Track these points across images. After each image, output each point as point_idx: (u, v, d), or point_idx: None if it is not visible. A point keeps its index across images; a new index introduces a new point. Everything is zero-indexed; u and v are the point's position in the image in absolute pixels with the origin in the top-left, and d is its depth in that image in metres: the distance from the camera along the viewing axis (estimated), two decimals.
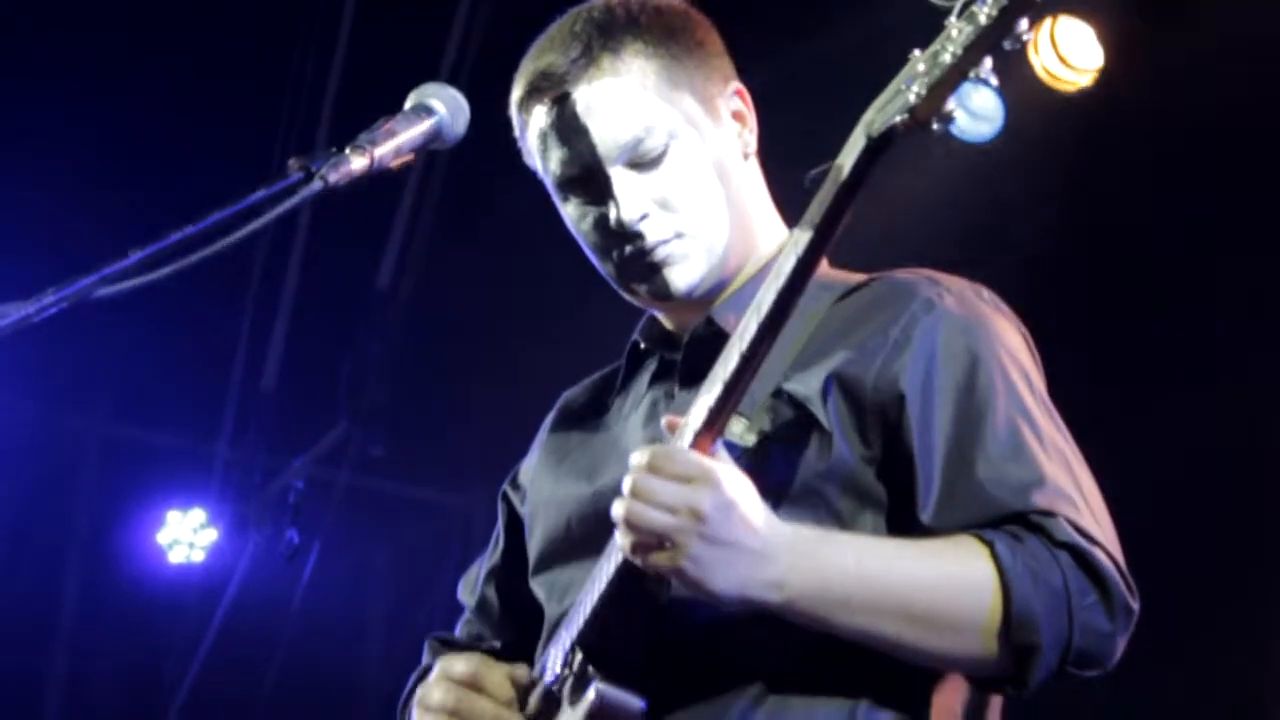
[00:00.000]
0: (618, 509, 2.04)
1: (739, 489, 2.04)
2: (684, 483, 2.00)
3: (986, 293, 2.41)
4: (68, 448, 9.48)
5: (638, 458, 2.04)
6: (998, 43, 1.87)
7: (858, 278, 2.45)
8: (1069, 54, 5.29)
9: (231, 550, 9.22)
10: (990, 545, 2.11)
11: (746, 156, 2.50)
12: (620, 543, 2.08)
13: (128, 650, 9.28)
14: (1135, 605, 2.16)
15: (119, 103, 8.11)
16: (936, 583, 2.09)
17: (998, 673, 2.14)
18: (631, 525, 2.02)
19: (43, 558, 9.21)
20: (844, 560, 2.09)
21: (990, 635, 2.10)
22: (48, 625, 9.26)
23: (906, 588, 2.08)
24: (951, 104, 1.92)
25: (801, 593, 2.06)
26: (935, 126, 1.94)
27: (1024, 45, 1.88)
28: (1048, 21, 5.46)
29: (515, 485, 2.70)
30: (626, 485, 2.03)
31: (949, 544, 2.14)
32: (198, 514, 9.32)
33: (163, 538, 9.28)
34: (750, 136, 2.51)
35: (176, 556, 9.27)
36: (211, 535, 9.29)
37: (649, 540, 2.01)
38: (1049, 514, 2.15)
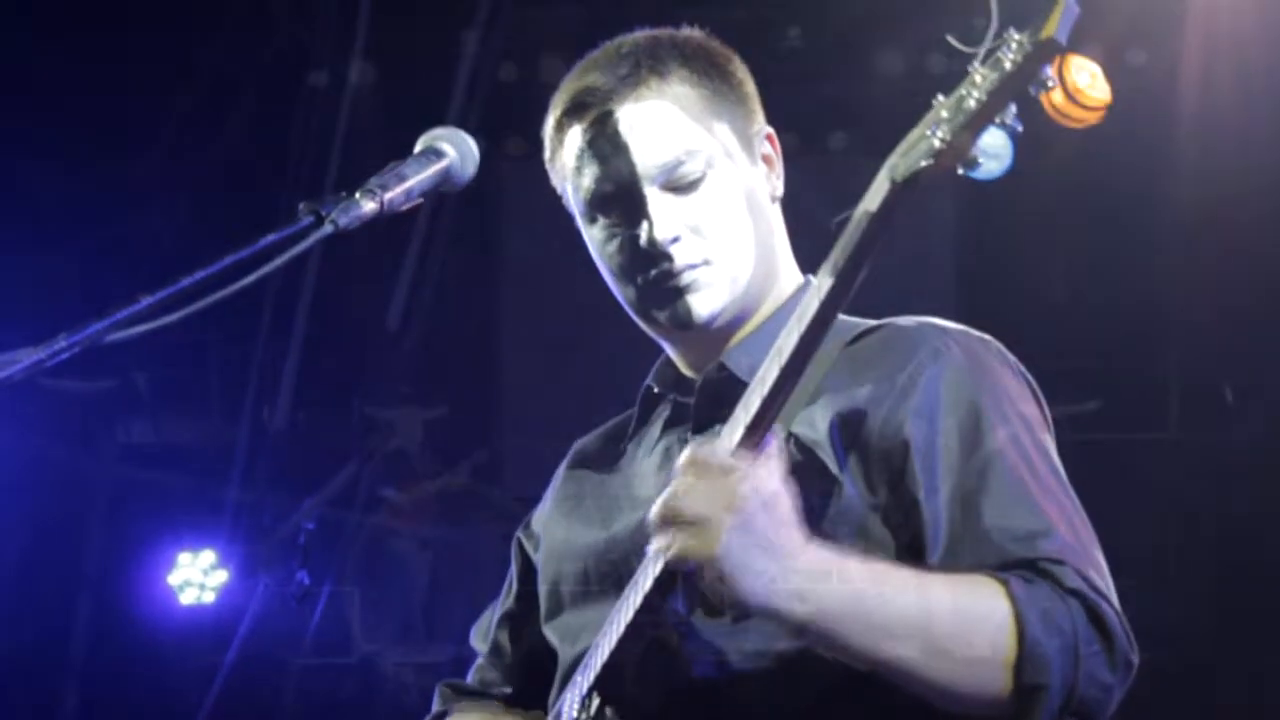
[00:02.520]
0: (656, 506, 2.04)
1: (779, 490, 2.04)
2: (726, 475, 1.99)
3: (993, 344, 2.42)
4: (77, 489, 9.49)
5: (683, 458, 2.03)
6: (1022, 88, 1.88)
7: (866, 323, 2.45)
8: (1078, 91, 5.31)
9: (242, 592, 9.23)
10: (1005, 583, 2.11)
11: (774, 199, 2.51)
12: (654, 547, 2.07)
13: (138, 692, 9.26)
14: (1135, 660, 2.16)
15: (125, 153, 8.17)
16: (955, 612, 2.09)
17: (1002, 713, 2.14)
18: (670, 515, 2.00)
19: (53, 599, 9.19)
20: (867, 580, 2.09)
21: (1003, 670, 2.09)
22: (58, 667, 9.24)
23: (926, 614, 2.08)
24: (976, 149, 1.93)
25: (824, 607, 2.05)
26: (959, 170, 1.94)
27: (1049, 90, 1.88)
28: (1056, 60, 5.49)
29: (529, 532, 2.69)
30: (670, 488, 2.03)
31: (966, 578, 2.14)
32: (208, 555, 9.33)
33: (173, 579, 9.29)
34: (777, 181, 2.52)
35: (187, 598, 9.27)
36: (222, 577, 9.30)
37: (685, 528, 1.99)
38: (1058, 561, 2.15)
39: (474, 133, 2.22)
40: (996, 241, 11.56)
